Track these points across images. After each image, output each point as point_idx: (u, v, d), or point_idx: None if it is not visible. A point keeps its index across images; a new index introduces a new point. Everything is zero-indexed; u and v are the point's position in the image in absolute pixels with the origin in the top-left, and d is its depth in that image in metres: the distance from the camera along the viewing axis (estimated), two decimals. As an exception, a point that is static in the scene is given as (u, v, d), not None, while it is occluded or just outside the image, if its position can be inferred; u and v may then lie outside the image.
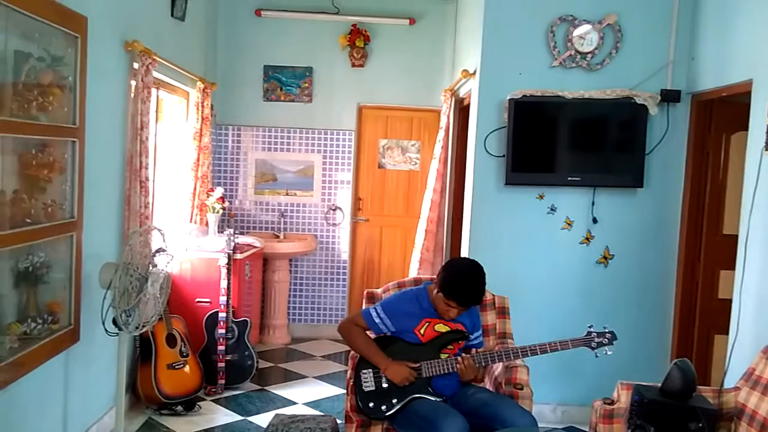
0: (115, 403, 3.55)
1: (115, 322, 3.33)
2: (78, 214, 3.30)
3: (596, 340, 3.04)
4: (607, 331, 3.06)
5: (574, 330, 3.27)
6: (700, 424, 2.73)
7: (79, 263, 3.34)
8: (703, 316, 4.28)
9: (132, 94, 3.99)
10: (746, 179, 3.47)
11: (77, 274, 3.33)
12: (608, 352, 3.04)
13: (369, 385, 3.03)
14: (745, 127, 4.11)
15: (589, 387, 4.35)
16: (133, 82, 3.98)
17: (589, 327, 3.07)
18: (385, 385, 3.01)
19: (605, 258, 4.37)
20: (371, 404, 3.00)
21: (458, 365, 3.01)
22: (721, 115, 4.19)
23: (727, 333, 3.98)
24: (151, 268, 3.46)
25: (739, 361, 3.35)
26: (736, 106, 4.12)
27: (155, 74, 4.44)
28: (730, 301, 3.91)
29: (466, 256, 4.21)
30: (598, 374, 4.26)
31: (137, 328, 3.46)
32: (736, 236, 3.79)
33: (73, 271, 3.30)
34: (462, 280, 3.03)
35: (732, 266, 4.00)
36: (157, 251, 3.52)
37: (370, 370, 3.06)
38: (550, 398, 4.38)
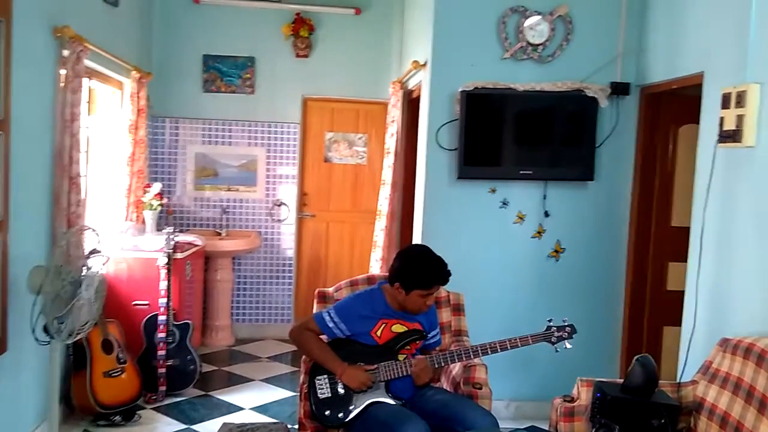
0: (47, 417, 3.28)
1: (46, 329, 3.08)
2: (3, 212, 3.02)
3: (556, 334, 2.98)
4: (566, 324, 3.00)
5: (527, 324, 3.19)
6: (663, 420, 2.70)
7: (5, 266, 3.07)
8: (653, 308, 4.31)
9: (61, 84, 3.70)
10: (698, 172, 3.47)
11: (3, 277, 3.05)
12: (568, 346, 2.98)
13: (324, 391, 2.88)
14: (694, 120, 4.14)
15: (542, 382, 4.34)
16: (63, 71, 3.70)
17: (549, 321, 3.01)
18: (341, 391, 2.87)
19: (557, 252, 4.34)
20: (327, 412, 2.85)
21: (412, 369, 2.90)
22: (670, 107, 4.21)
23: (676, 325, 4.00)
24: (84, 270, 3.22)
25: (693, 353, 3.35)
26: (685, 99, 4.14)
27: (87, 63, 4.15)
28: (679, 293, 3.92)
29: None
30: (551, 368, 4.24)
31: (70, 335, 3.21)
32: (685, 228, 3.81)
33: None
34: (430, 262, 2.94)
35: (681, 258, 4.02)
36: (91, 253, 3.28)
37: (325, 376, 2.91)
38: (502, 394, 4.32)
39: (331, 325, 2.97)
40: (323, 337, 3.03)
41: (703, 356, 3.23)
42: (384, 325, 2.98)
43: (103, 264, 3.34)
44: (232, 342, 5.91)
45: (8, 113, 3.02)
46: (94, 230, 3.34)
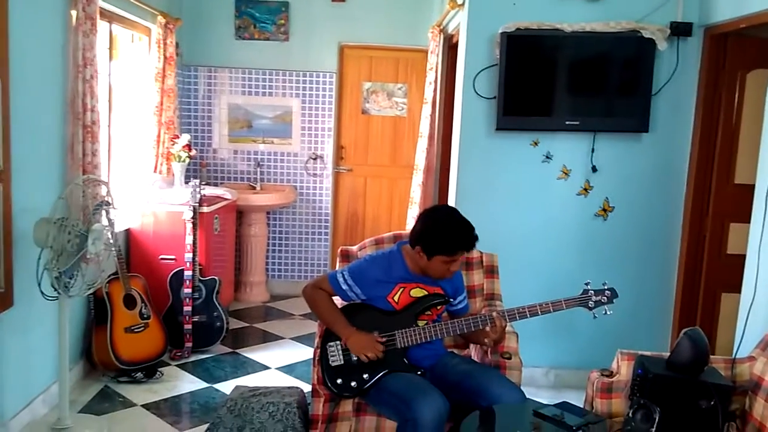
0: (59, 376, 3.19)
1: (55, 284, 2.95)
2: (4, 162, 2.87)
3: (594, 298, 2.65)
4: (606, 288, 2.67)
5: (568, 289, 2.84)
6: (712, 402, 2.39)
7: (8, 218, 2.94)
8: (710, 273, 3.93)
9: (73, 26, 3.51)
10: (766, 122, 3.05)
11: (6, 230, 2.93)
12: (608, 312, 2.65)
13: (336, 359, 2.66)
14: (764, 65, 3.69)
15: (585, 350, 4.05)
16: (74, 12, 3.50)
17: (586, 284, 2.68)
18: (354, 359, 2.64)
19: (604, 210, 3.98)
20: (339, 380, 2.64)
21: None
22: (736, 50, 3.74)
23: (736, 291, 3.63)
24: (92, 224, 3.06)
25: (752, 326, 2.99)
26: (754, 41, 3.69)
27: (105, 5, 3.97)
28: (740, 257, 3.54)
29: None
30: (595, 337, 3.96)
31: (80, 291, 3.08)
32: (750, 186, 3.40)
33: (1, 227, 2.89)
34: (455, 225, 2.65)
35: (744, 219, 3.62)
36: (100, 205, 3.12)
37: (338, 342, 2.68)
38: (542, 361, 4.06)
39: (345, 287, 2.73)
40: (337, 299, 2.80)
41: (763, 329, 2.88)
42: (402, 289, 2.72)
43: (113, 217, 3.17)
44: (267, 298, 5.78)
45: (5, 54, 2.84)
46: (103, 182, 3.17)
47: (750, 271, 3.07)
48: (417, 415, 2.39)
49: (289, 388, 3.07)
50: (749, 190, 3.47)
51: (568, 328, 3.96)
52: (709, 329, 3.87)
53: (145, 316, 4.06)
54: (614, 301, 2.68)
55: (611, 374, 2.72)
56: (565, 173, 3.94)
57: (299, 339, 4.83)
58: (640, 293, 4.02)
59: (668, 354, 2.59)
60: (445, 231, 2.64)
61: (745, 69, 3.74)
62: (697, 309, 3.98)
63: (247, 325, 5.12)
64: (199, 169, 5.63)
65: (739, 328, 3.09)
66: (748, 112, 3.75)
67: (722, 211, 3.86)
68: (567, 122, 3.85)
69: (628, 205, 3.98)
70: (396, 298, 2.73)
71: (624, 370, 2.68)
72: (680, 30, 3.74)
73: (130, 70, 4.77)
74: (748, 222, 3.28)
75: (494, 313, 2.65)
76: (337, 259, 3.19)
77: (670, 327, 4.07)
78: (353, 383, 2.64)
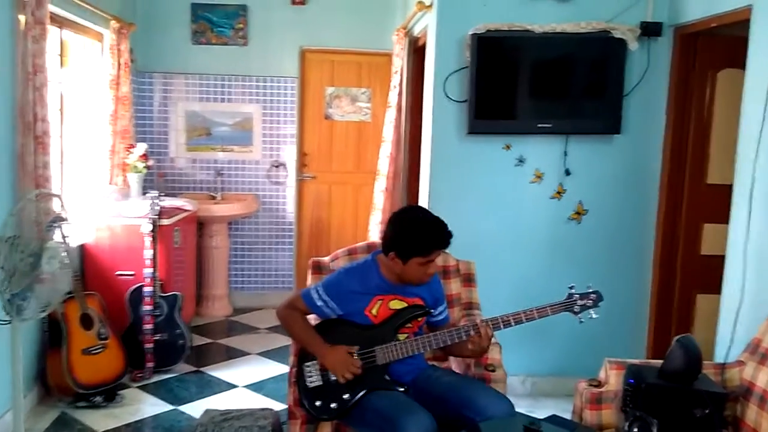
0: (12, 405, 2.95)
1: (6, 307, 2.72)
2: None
3: (579, 303, 2.55)
4: (591, 291, 2.57)
5: (544, 296, 2.74)
6: (707, 410, 2.32)
7: (-49, 237, 2.70)
8: (685, 274, 3.91)
9: (22, 31, 3.28)
10: (744, 121, 3.02)
11: (-50, 251, 2.69)
12: (594, 316, 2.55)
13: (314, 379, 2.50)
14: (735, 64, 3.68)
15: (561, 356, 4.00)
16: (22, 17, 3.28)
17: (570, 288, 2.58)
18: (333, 378, 2.50)
19: (578, 213, 3.92)
20: (318, 403, 2.48)
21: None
22: (706, 50, 3.73)
23: (711, 292, 3.61)
24: (47, 241, 2.84)
25: (729, 329, 2.95)
26: (724, 40, 3.68)
27: (55, 9, 3.74)
28: (715, 258, 3.52)
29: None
30: (570, 342, 3.91)
31: (36, 313, 2.86)
32: (723, 186, 3.38)
33: (-55, 247, 2.65)
34: (426, 224, 2.53)
35: (718, 219, 3.60)
36: (54, 220, 2.90)
37: (315, 361, 2.53)
38: (518, 369, 3.97)
39: (320, 303, 2.58)
40: (313, 317, 2.64)
41: (746, 331, 2.84)
42: (380, 301, 2.59)
43: (67, 234, 2.96)
44: (229, 312, 5.58)
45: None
46: (57, 196, 2.95)
47: (733, 273, 3.02)
48: (403, 435, 2.25)
49: (262, 410, 2.93)
50: (722, 190, 3.45)
51: (543, 334, 3.87)
52: (685, 331, 3.83)
53: (103, 336, 3.83)
54: (599, 304, 2.60)
55: (599, 384, 2.63)
56: (538, 177, 3.87)
57: (266, 354, 4.65)
58: (615, 296, 3.92)
59: (658, 362, 2.52)
60: (416, 231, 2.52)
61: (715, 68, 3.73)
62: (672, 311, 3.96)
63: (211, 341, 4.91)
64: (156, 180, 5.40)
65: (723, 330, 3.05)
66: (719, 111, 3.75)
67: (696, 212, 3.84)
68: (539, 125, 3.78)
69: (601, 208, 3.93)
70: (374, 311, 2.59)
71: (613, 379, 2.60)
72: (650, 30, 3.71)
73: (82, 77, 4.53)
74: (723, 222, 3.25)
75: (478, 321, 2.54)
76: (309, 272, 3.04)
77: (645, 330, 4.04)
78: (333, 404, 2.49)
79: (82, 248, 4.23)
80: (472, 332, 2.52)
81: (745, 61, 3.05)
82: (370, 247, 3.10)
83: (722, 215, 3.30)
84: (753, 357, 2.55)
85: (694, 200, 3.83)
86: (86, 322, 3.77)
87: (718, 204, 3.61)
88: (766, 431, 2.31)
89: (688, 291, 3.91)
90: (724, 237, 3.19)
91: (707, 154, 3.80)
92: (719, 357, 3.06)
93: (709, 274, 3.68)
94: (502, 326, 2.55)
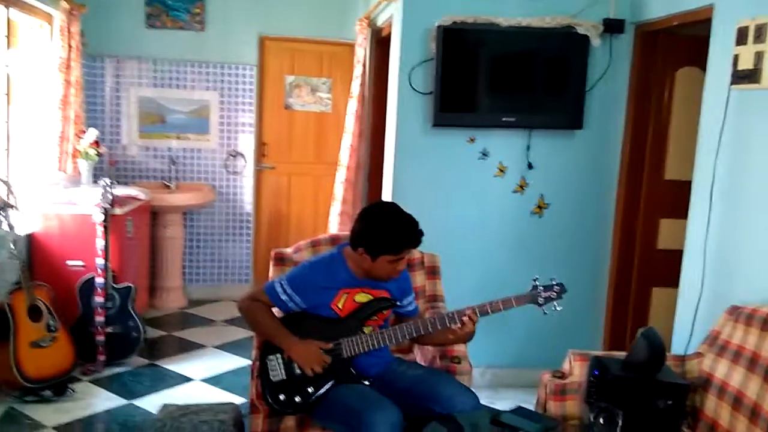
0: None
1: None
2: None
3: (543, 294, 2.54)
4: (554, 283, 2.57)
5: (507, 288, 2.73)
6: (670, 402, 2.35)
7: None
8: (641, 268, 3.98)
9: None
10: (704, 119, 3.08)
11: None
12: (558, 308, 2.56)
13: (277, 373, 2.45)
14: (693, 62, 3.75)
15: (520, 347, 4.04)
16: (-33, -8, 3.11)
17: (534, 280, 2.58)
18: (297, 372, 2.44)
19: (540, 207, 3.95)
20: (282, 396, 2.43)
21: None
22: (667, 48, 3.79)
23: (667, 286, 3.69)
24: (-6, 229, 2.71)
25: (687, 321, 3.01)
26: (683, 39, 3.75)
27: (0, -15, 3.56)
28: (671, 252, 3.60)
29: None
30: (528, 333, 3.95)
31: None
32: (681, 182, 3.45)
33: None
34: (399, 222, 2.49)
35: (675, 215, 3.68)
36: (1, 208, 2.76)
37: (278, 354, 2.47)
38: (477, 361, 3.95)
39: (284, 297, 2.52)
40: (276, 310, 2.58)
41: (702, 323, 2.90)
42: (346, 295, 2.54)
43: (14, 222, 2.82)
44: (184, 304, 5.45)
45: None
46: (4, 181, 2.81)
47: (691, 267, 3.08)
48: (370, 428, 2.22)
49: (222, 404, 2.84)
50: (680, 186, 3.52)
51: (502, 326, 3.88)
52: (641, 324, 3.90)
53: (52, 328, 3.68)
54: (563, 296, 2.60)
55: (563, 375, 2.65)
56: (502, 170, 3.87)
57: (223, 347, 4.55)
58: (573, 289, 3.85)
59: (621, 354, 2.54)
60: (388, 229, 2.48)
61: (674, 67, 3.80)
62: (629, 304, 4.02)
63: (165, 333, 4.78)
64: (107, 168, 5.22)
65: (682, 323, 3.10)
66: (678, 109, 3.82)
67: (653, 207, 3.91)
68: (503, 118, 3.78)
69: (562, 202, 3.96)
70: (340, 304, 2.55)
71: (577, 370, 2.62)
72: (612, 27, 3.75)
73: (31, 60, 4.34)
74: (680, 217, 3.32)
75: (452, 313, 2.51)
76: (271, 263, 2.97)
77: (602, 322, 4.09)
78: (297, 398, 2.44)
79: (31, 237, 4.05)
80: (429, 328, 2.50)
81: (705, 59, 3.10)
82: (334, 240, 3.06)
83: (679, 211, 3.36)
84: (712, 349, 2.59)
85: (652, 195, 3.90)
86: (34, 313, 3.61)
87: (675, 199, 3.68)
88: (725, 421, 2.36)
89: (644, 284, 3.98)
90: (681, 232, 3.25)
91: (665, 150, 3.86)
92: (676, 349, 3.13)
93: (665, 268, 3.76)
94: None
